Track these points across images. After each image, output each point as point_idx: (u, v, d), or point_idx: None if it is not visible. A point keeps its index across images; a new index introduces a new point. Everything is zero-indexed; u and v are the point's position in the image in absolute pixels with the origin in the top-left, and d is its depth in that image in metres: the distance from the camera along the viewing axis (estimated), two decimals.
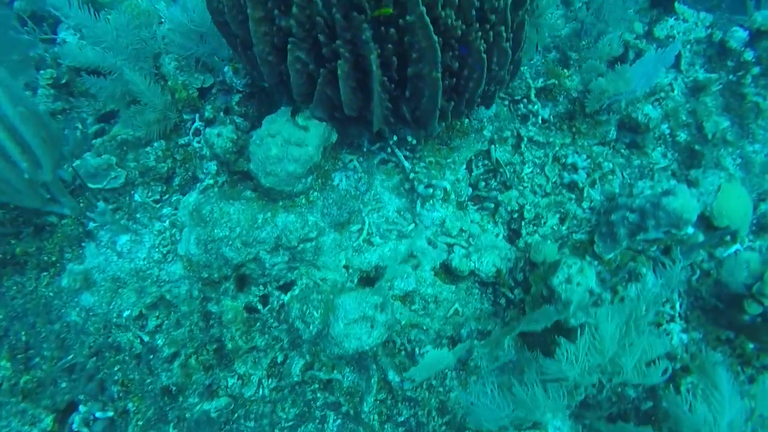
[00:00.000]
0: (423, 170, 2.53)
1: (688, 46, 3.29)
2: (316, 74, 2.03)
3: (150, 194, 2.68)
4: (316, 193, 2.38)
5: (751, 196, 2.74)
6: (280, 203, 2.32)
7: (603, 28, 4.03)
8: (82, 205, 2.74)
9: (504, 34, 1.95)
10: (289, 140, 2.08)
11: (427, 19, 1.71)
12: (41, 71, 3.39)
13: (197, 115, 2.91)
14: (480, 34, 1.87)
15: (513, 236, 2.71)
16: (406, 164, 2.52)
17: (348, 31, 1.83)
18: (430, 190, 2.47)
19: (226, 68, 3.00)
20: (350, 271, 2.37)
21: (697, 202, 2.10)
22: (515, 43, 2.19)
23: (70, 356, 2.65)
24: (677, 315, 2.36)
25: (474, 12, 1.88)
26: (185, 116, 2.92)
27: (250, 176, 2.52)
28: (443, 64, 1.91)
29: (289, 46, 1.93)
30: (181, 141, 2.83)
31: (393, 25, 1.82)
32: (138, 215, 2.61)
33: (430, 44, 1.79)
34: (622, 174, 2.90)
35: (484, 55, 1.93)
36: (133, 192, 2.67)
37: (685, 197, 2.09)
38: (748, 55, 3.12)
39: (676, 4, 3.38)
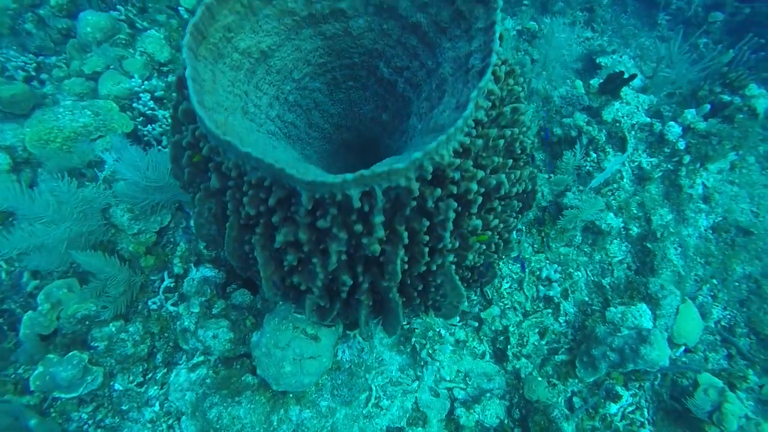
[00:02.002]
0: (418, 321, 2.58)
1: (633, 132, 3.53)
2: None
3: (131, 378, 2.47)
4: (324, 376, 2.35)
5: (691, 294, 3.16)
6: (291, 395, 2.27)
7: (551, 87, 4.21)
8: None
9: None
10: (303, 355, 2.02)
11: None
12: None
13: (166, 273, 2.67)
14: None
15: (499, 353, 2.89)
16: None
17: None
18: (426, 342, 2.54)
19: (192, 222, 2.76)
20: None
21: (668, 349, 2.41)
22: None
23: None
24: (646, 421, 2.73)
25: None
26: (152, 277, 2.67)
27: (247, 354, 2.41)
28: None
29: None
30: (152, 304, 2.60)
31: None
32: (124, 407, 2.41)
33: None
34: (587, 272, 3.16)
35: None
36: (112, 382, 2.44)
37: (661, 349, 2.38)
38: (681, 145, 3.43)
39: (624, 90, 3.58)
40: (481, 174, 1.49)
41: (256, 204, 1.50)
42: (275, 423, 2.19)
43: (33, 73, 3.72)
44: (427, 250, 1.59)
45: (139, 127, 3.32)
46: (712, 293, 3.23)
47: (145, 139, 3.32)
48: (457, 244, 1.67)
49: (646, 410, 2.75)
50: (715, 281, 3.28)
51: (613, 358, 2.52)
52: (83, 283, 2.63)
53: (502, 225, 1.85)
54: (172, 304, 2.53)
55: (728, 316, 3.20)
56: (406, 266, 1.66)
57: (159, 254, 2.67)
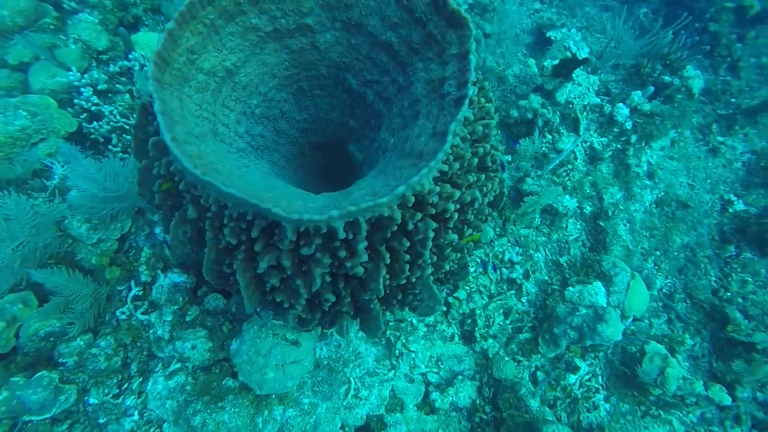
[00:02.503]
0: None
1: (585, 113, 3.68)
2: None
3: (106, 391, 2.42)
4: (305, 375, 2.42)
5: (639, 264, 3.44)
6: (273, 396, 2.33)
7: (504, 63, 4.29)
8: None
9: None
10: (285, 361, 2.07)
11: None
12: None
13: (132, 282, 2.59)
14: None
15: (467, 335, 3.06)
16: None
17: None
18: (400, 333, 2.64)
19: (156, 230, 2.66)
20: (346, 429, 2.54)
21: (621, 326, 2.65)
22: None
23: None
24: (601, 386, 3.01)
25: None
26: (119, 287, 2.58)
27: (226, 359, 2.41)
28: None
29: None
30: (121, 314, 2.53)
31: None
32: (101, 420, 2.38)
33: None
34: (546, 252, 3.35)
35: None
36: (86, 397, 2.39)
37: (616, 326, 2.61)
38: (629, 125, 3.63)
39: (576, 71, 3.69)
40: (458, 194, 1.54)
41: (236, 234, 1.49)
42: (260, 425, 2.26)
43: None
44: (407, 266, 1.65)
45: (83, 124, 3.10)
46: (656, 264, 3.53)
47: (92, 137, 3.12)
48: (435, 258, 1.73)
49: (600, 377, 3.03)
50: (658, 253, 3.57)
51: (573, 335, 2.75)
52: (39, 295, 2.51)
53: (475, 231, 1.93)
54: (143, 313, 2.48)
55: (669, 284, 3.52)
56: (387, 281, 1.72)
57: (123, 262, 2.58)
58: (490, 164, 1.75)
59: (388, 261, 1.57)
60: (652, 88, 3.64)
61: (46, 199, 2.49)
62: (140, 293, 2.55)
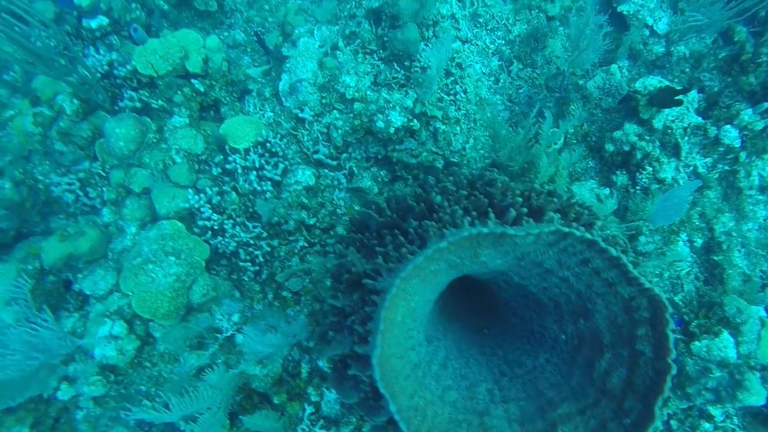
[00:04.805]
0: None
1: (686, 138, 3.54)
2: None
3: None
4: None
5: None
6: None
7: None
8: None
9: None
10: None
11: None
12: None
13: (305, 403, 2.96)
14: None
15: None
16: None
17: None
18: None
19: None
20: None
21: (763, 390, 2.77)
22: None
23: None
24: (737, 427, 3.17)
25: None
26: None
27: None
28: None
29: None
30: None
31: None
32: None
33: None
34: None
35: None
36: None
37: (758, 393, 2.74)
38: (737, 143, 3.46)
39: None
40: None
41: None
42: None
43: (79, 192, 3.74)
44: None
45: (211, 242, 3.40)
46: None
47: (221, 252, 3.42)
48: None
49: (735, 418, 3.17)
50: None
51: (709, 396, 2.88)
52: None
53: None
54: (320, 427, 2.87)
55: None
56: None
57: (290, 386, 2.94)
58: None
59: None
60: (766, 104, 3.40)
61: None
62: (312, 411, 2.90)
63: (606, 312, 1.62)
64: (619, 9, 4.45)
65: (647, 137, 3.51)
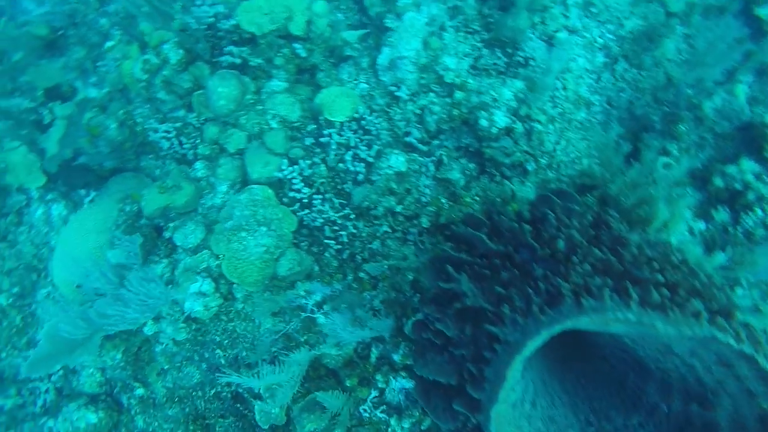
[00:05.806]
0: None
1: None
2: None
3: None
4: None
5: None
6: None
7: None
8: None
9: None
10: None
11: None
12: None
13: (371, 388, 3.12)
14: None
15: None
16: None
17: None
18: None
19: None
20: None
21: None
22: None
23: None
24: None
25: None
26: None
27: None
28: None
29: None
30: (364, 412, 3.12)
31: None
32: None
33: None
34: None
35: None
36: None
37: None
38: None
39: None
40: None
41: None
42: None
43: (175, 141, 3.86)
44: None
45: (298, 213, 3.48)
46: None
47: (305, 224, 3.50)
48: None
49: None
50: None
51: None
52: None
53: None
54: (381, 412, 3.03)
55: None
56: None
57: (360, 368, 3.09)
58: None
59: None
60: None
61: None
62: (376, 395, 3.05)
63: (732, 412, 1.60)
64: (756, 12, 4.00)
65: (766, 178, 3.26)
